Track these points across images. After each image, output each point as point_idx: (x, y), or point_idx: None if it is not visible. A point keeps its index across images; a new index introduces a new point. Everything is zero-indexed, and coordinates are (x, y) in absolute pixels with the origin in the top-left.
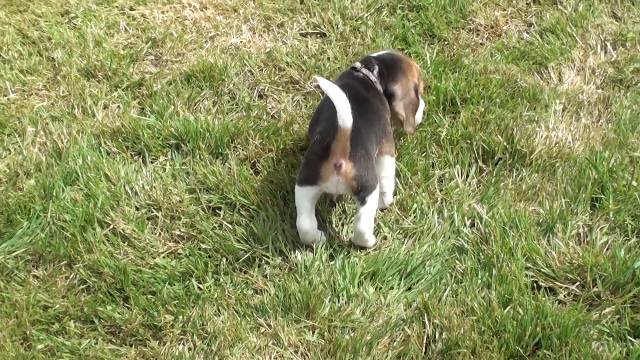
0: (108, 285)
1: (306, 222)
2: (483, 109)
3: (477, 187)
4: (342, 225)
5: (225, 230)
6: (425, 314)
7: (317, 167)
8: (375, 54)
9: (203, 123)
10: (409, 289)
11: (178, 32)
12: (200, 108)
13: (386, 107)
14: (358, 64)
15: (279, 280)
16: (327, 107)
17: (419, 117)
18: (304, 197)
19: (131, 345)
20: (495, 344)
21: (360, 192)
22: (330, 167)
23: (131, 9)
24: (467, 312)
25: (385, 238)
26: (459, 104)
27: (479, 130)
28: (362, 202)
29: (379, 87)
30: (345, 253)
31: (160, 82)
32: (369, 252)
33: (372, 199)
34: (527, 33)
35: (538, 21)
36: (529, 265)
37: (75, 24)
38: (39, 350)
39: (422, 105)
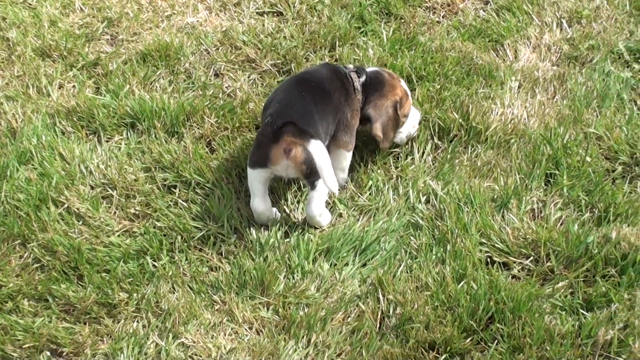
0: (62, 264)
1: (260, 203)
2: (439, 87)
3: (433, 164)
4: (298, 202)
5: (181, 208)
6: (379, 290)
7: (267, 150)
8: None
9: (159, 102)
10: (364, 265)
11: (134, 12)
12: (156, 87)
13: (352, 107)
14: (351, 66)
15: (234, 258)
16: (281, 89)
17: (412, 130)
18: (256, 179)
19: (85, 323)
20: (449, 319)
21: (310, 176)
22: (280, 150)
23: None
24: (421, 287)
25: (340, 215)
26: (414, 81)
27: (435, 107)
28: (312, 186)
29: (358, 96)
30: (300, 230)
31: (116, 62)
32: (324, 229)
33: (322, 184)
34: (484, 11)
35: None
36: (483, 240)
37: (30, 4)
38: None
39: (416, 117)
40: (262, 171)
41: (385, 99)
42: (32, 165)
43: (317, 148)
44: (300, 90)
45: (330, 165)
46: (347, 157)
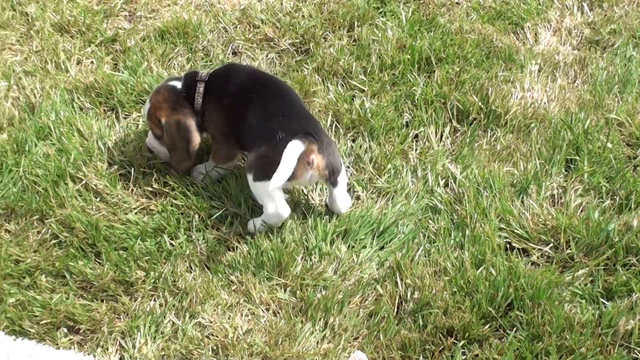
0: (80, 240)
1: (286, 208)
2: (458, 69)
3: (452, 147)
4: (315, 184)
5: (198, 187)
6: (397, 274)
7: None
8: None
9: None
10: (382, 248)
11: None
12: (174, 64)
13: None
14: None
15: (251, 238)
16: (260, 103)
17: None
18: (274, 190)
19: (102, 301)
20: (468, 305)
21: (332, 177)
22: (303, 164)
23: None
24: (439, 272)
25: (358, 198)
26: (434, 63)
27: (454, 90)
28: (334, 184)
29: None
30: (318, 212)
31: (134, 38)
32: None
33: (342, 178)
34: None
35: None
36: (502, 226)
37: None
38: (9, 304)
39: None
40: (282, 184)
41: None
42: (51, 140)
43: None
44: (278, 96)
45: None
46: None
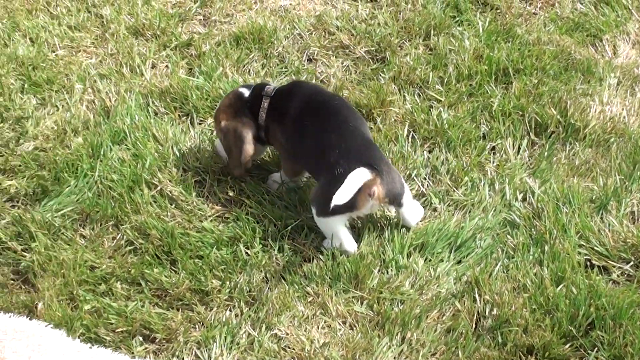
0: (155, 247)
1: (353, 244)
2: (536, 81)
3: (529, 161)
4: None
5: (273, 196)
6: (475, 289)
7: (351, 198)
8: None
9: None
10: (459, 262)
11: None
12: (249, 70)
13: None
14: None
15: (327, 250)
16: (320, 130)
17: None
18: (339, 223)
19: (178, 310)
20: (548, 323)
21: (394, 202)
22: (364, 196)
23: None
24: (518, 288)
25: (435, 210)
26: (511, 74)
27: (532, 102)
28: (399, 206)
29: None
30: (394, 224)
31: (209, 43)
32: (418, 223)
33: (407, 197)
34: (581, 3)
35: None
36: (582, 243)
37: None
38: (85, 310)
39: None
40: (344, 216)
41: None
42: (126, 145)
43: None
44: (338, 123)
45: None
46: None
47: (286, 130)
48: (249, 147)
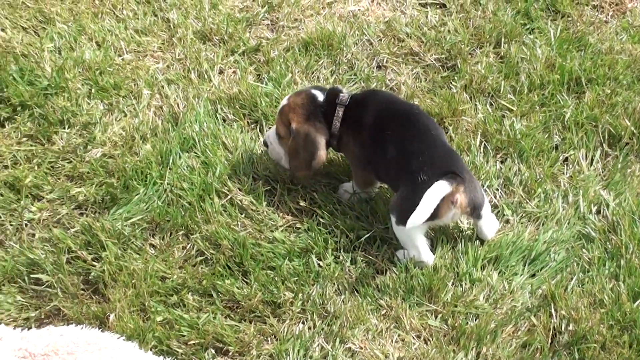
0: (227, 258)
1: (430, 255)
2: (609, 91)
3: (602, 172)
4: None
5: (345, 206)
6: (552, 304)
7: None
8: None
9: None
10: (533, 275)
11: None
12: (319, 77)
13: None
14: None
15: (399, 262)
16: (422, 144)
17: None
18: (419, 232)
19: (250, 322)
20: (626, 340)
21: (474, 212)
22: (447, 204)
23: None
24: (594, 304)
25: (507, 222)
26: (584, 84)
27: (605, 113)
28: (479, 217)
29: None
30: (468, 236)
31: (277, 49)
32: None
33: (487, 208)
34: None
35: None
36: None
37: None
38: (157, 322)
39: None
40: (425, 225)
41: None
42: (195, 153)
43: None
44: (418, 132)
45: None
46: None
47: (362, 140)
48: (323, 154)
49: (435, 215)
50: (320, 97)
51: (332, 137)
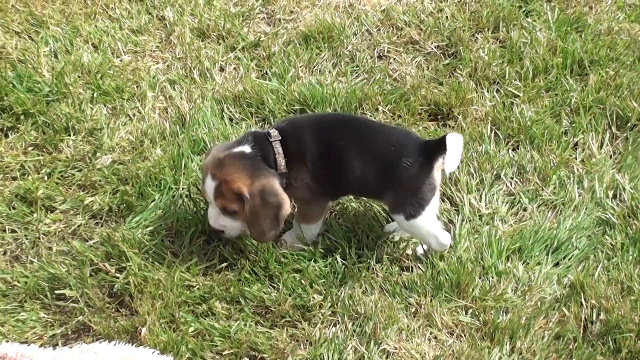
0: (252, 263)
1: (448, 235)
2: (613, 72)
3: (614, 155)
4: (481, 196)
5: (365, 205)
6: (581, 293)
7: (433, 180)
8: None
9: (328, 88)
10: (556, 264)
11: None
12: (320, 70)
13: None
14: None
15: (425, 258)
16: (382, 137)
17: None
18: (432, 216)
19: (282, 327)
20: None
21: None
22: (439, 170)
23: None
24: (623, 291)
25: (525, 210)
26: (587, 66)
27: (611, 95)
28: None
29: None
30: (488, 226)
31: (277, 43)
32: (512, 226)
33: None
34: None
35: None
36: None
37: None
38: (189, 333)
39: None
40: (433, 205)
41: None
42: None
43: None
44: (370, 131)
45: None
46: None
47: (311, 166)
48: (287, 199)
49: (435, 186)
50: (247, 148)
51: (282, 177)
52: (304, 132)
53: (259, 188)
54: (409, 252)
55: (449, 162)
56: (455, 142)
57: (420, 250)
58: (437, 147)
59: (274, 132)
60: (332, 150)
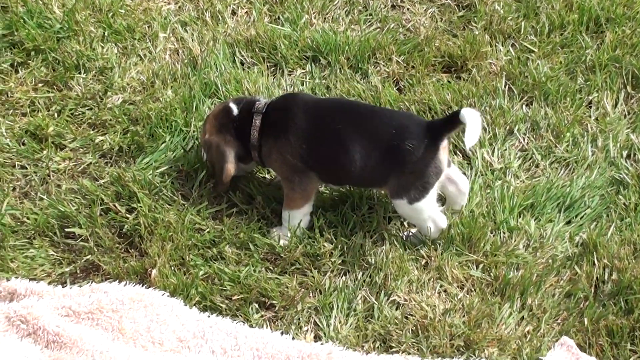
0: (260, 212)
1: (444, 219)
2: (629, 31)
3: (628, 115)
4: (494, 150)
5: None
6: (594, 253)
7: (438, 162)
8: None
9: (342, 36)
10: (568, 222)
11: None
12: (333, 17)
13: None
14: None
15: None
16: (383, 120)
17: None
18: (433, 199)
19: (292, 275)
20: None
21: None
22: (443, 152)
23: None
24: (637, 252)
25: (537, 166)
26: (603, 23)
27: (627, 54)
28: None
29: None
30: (500, 181)
31: None
32: (524, 182)
33: None
34: None
35: None
36: None
37: None
38: (200, 277)
39: None
40: (435, 188)
41: None
42: (218, 98)
43: None
44: (368, 108)
45: None
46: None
47: (297, 145)
48: (230, 167)
49: (440, 168)
50: (235, 110)
51: (253, 149)
52: (296, 107)
53: (214, 142)
54: None
55: (469, 136)
56: (472, 116)
57: (415, 239)
58: (443, 127)
59: (260, 106)
60: (328, 131)
